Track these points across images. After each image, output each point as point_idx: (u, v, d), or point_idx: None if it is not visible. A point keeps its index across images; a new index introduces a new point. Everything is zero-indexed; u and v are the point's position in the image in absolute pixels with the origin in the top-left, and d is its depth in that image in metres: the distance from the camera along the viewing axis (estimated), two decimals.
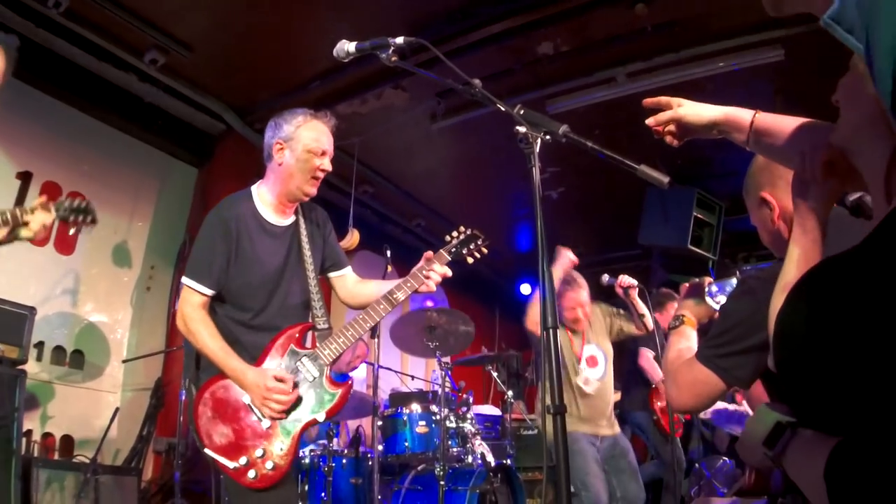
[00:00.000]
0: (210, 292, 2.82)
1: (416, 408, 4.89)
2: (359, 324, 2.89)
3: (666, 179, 1.72)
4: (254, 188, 3.11)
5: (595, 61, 5.51)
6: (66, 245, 5.42)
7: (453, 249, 3.17)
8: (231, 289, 2.88)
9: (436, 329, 4.92)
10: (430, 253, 3.10)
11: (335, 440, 4.70)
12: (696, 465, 6.26)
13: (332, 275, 3.25)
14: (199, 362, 2.85)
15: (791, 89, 5.21)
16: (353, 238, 6.36)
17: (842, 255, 1.16)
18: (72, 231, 3.01)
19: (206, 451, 2.64)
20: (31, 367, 4.53)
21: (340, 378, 2.89)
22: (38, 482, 4.23)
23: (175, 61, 5.41)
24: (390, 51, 2.05)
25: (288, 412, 2.71)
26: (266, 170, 3.09)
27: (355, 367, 6.34)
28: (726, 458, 7.03)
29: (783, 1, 1.19)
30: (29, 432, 4.73)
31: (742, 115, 1.74)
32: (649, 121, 1.85)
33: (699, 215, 6.67)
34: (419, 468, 4.84)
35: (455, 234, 3.23)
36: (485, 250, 3.26)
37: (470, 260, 3.21)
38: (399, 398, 5.81)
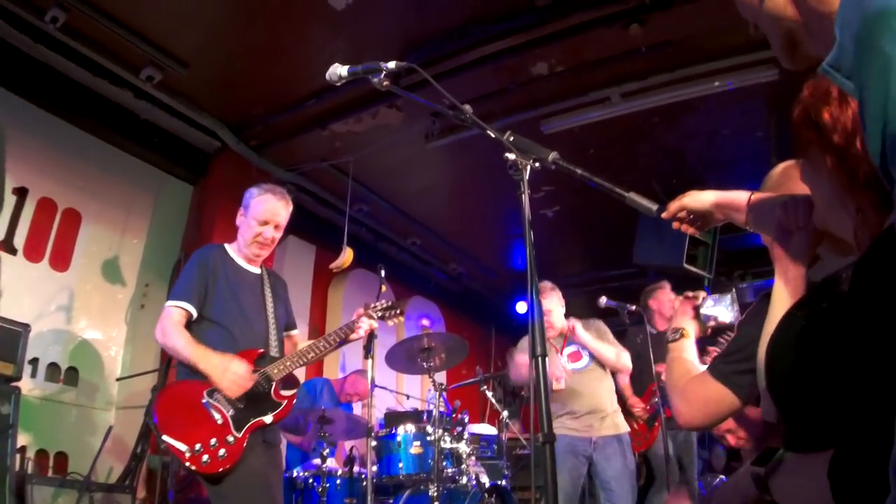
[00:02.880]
0: (191, 309, 3.34)
1: (410, 428, 4.87)
2: (304, 355, 3.51)
3: (654, 207, 1.72)
4: (226, 244, 3.72)
5: (590, 81, 5.52)
6: (60, 261, 5.42)
7: (380, 311, 3.85)
8: (218, 316, 3.40)
9: (431, 350, 4.92)
10: (360, 310, 3.82)
11: (329, 460, 4.68)
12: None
13: (286, 333, 3.80)
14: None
15: (785, 109, 5.21)
16: (346, 256, 6.35)
17: (827, 282, 1.21)
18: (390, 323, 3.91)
19: (164, 437, 3.03)
20: (25, 383, 4.51)
21: (287, 391, 3.43)
22: (33, 499, 4.21)
23: (171, 78, 5.42)
24: (382, 75, 2.06)
25: (241, 412, 3.21)
26: None
27: (352, 402, 6.34)
28: (723, 476, 7.01)
29: (798, 51, 1.20)
30: (23, 449, 4.71)
31: (739, 196, 1.79)
32: (665, 215, 1.91)
33: (694, 234, 6.67)
34: (413, 489, 4.81)
35: (383, 301, 3.94)
36: (401, 318, 3.95)
37: (390, 323, 3.96)
38: (394, 418, 5.79)
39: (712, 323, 1.98)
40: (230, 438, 3.12)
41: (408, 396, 7.60)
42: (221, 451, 3.06)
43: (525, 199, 1.71)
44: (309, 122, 6.11)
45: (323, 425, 4.80)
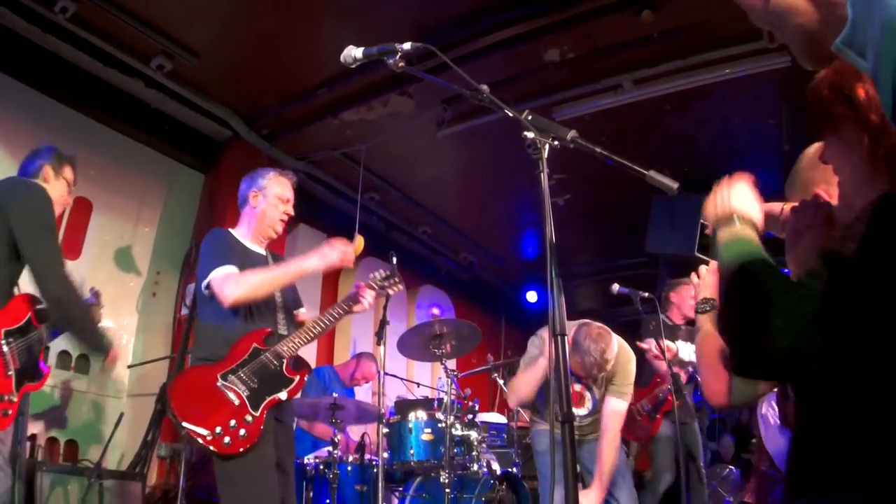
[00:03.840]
0: (237, 269, 3.32)
1: (421, 415, 4.87)
2: (310, 329, 3.52)
3: (675, 185, 1.70)
4: (230, 230, 3.73)
5: (601, 68, 5.49)
6: (72, 250, 5.43)
7: (379, 280, 3.86)
8: None
9: (442, 337, 4.92)
10: (361, 283, 3.81)
11: (340, 447, 4.69)
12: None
13: (295, 311, 3.82)
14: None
15: (797, 96, 5.19)
16: (357, 244, 6.34)
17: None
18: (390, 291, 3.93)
19: (184, 423, 3.07)
20: None
21: (297, 367, 3.47)
22: (43, 487, 4.23)
23: (181, 67, 5.43)
24: (397, 56, 2.04)
25: (256, 391, 3.26)
26: (240, 216, 3.78)
27: (359, 385, 6.34)
28: (732, 467, 7.00)
29: (819, 46, 1.18)
30: (33, 437, 4.73)
31: (774, 208, 1.82)
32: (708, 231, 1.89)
33: (706, 222, 6.63)
34: (424, 476, 4.82)
35: (381, 270, 3.94)
36: (399, 287, 3.95)
37: (391, 292, 3.96)
38: (404, 405, 5.79)
39: None
40: (248, 418, 3.17)
41: (418, 384, 7.62)
42: (242, 432, 3.13)
43: (544, 178, 1.70)
44: (320, 111, 6.11)
45: (334, 412, 4.81)
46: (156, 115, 6.02)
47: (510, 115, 1.81)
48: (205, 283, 3.34)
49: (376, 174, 7.20)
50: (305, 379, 3.50)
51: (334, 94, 5.83)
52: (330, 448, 4.67)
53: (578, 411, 4.64)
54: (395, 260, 4.67)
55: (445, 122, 6.13)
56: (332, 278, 7.91)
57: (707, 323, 1.92)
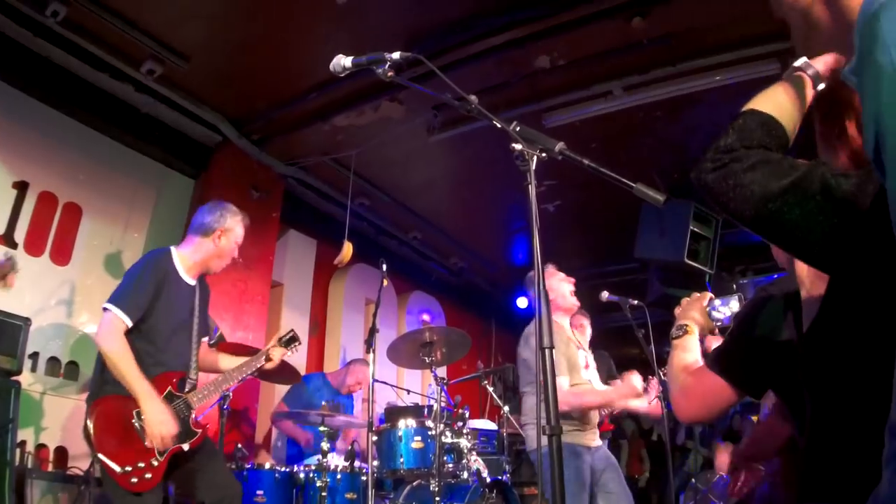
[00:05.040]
0: (130, 324, 3.44)
1: (411, 423, 4.86)
2: (220, 385, 3.82)
3: (662, 198, 1.71)
4: (173, 249, 3.83)
5: (592, 74, 5.50)
6: (61, 255, 5.40)
7: (285, 340, 4.17)
8: (148, 325, 3.55)
9: (432, 345, 4.90)
10: (274, 341, 4.17)
11: (330, 455, 4.67)
12: (692, 479, 6.24)
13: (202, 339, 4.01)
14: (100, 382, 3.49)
15: None
16: (346, 251, 6.35)
17: None
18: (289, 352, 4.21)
19: (99, 454, 3.24)
20: (25, 378, 4.48)
21: (197, 424, 3.66)
22: (32, 494, 4.20)
23: (172, 72, 5.40)
24: (386, 66, 2.04)
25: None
26: (192, 239, 3.88)
27: (354, 392, 6.33)
28: (724, 475, 7.01)
29: (810, 38, 1.21)
30: (23, 443, 4.68)
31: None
32: None
33: (696, 229, 6.65)
34: (414, 483, 4.81)
35: (285, 333, 4.23)
36: (297, 347, 4.27)
37: (289, 354, 4.21)
38: (394, 413, 5.78)
39: (719, 324, 2.01)
40: (154, 462, 3.35)
41: (408, 391, 7.60)
42: (147, 475, 3.31)
43: (532, 189, 1.70)
44: (311, 116, 6.09)
45: (323, 419, 4.80)
46: (146, 119, 5.99)
47: (498, 126, 1.80)
48: (103, 306, 3.47)
49: (367, 179, 7.19)
50: (205, 436, 3.70)
51: (325, 98, 5.81)
52: (319, 456, 4.65)
53: (590, 373, 4.71)
54: (384, 266, 4.68)
55: (436, 127, 6.14)
56: (322, 284, 7.90)
57: (677, 346, 1.98)
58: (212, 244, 3.85)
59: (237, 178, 6.37)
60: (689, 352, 1.94)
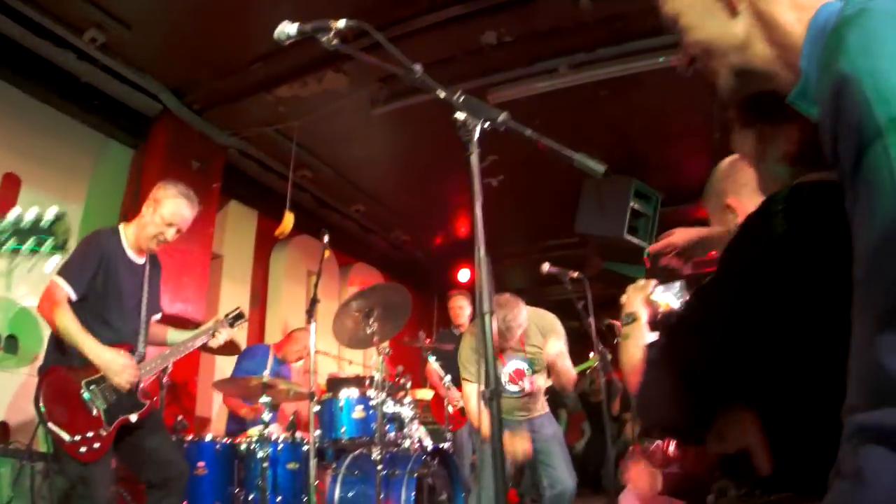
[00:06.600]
0: (75, 297, 3.53)
1: (353, 392, 4.89)
2: (165, 357, 3.89)
3: (601, 168, 1.75)
4: (121, 227, 3.87)
5: (538, 52, 5.54)
6: None
7: (231, 318, 4.18)
8: (95, 303, 3.62)
9: (373, 311, 4.81)
10: (220, 317, 4.17)
11: (271, 426, 4.68)
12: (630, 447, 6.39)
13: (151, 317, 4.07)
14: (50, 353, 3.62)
15: None
16: (287, 222, 6.30)
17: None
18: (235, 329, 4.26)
19: (49, 424, 3.33)
20: None
21: (146, 395, 3.76)
22: None
23: (114, 40, 5.26)
24: (331, 34, 2.03)
25: (112, 408, 3.53)
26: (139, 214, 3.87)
27: (300, 359, 6.32)
28: (658, 441, 7.20)
29: (746, 85, 1.27)
30: None
31: (719, 231, 1.99)
32: (651, 249, 2.18)
33: (636, 206, 6.78)
34: (356, 453, 4.85)
35: (231, 311, 4.25)
36: (244, 325, 4.38)
37: (234, 330, 4.23)
38: (336, 383, 5.81)
39: (661, 309, 2.08)
40: (102, 432, 3.46)
41: (350, 362, 7.63)
42: (95, 444, 3.41)
43: (474, 159, 1.72)
44: (254, 86, 6.00)
45: (265, 391, 4.79)
46: (87, 88, 5.81)
47: (441, 95, 1.82)
48: (51, 277, 3.52)
49: (309, 151, 7.12)
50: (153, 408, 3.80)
51: (269, 69, 5.72)
52: (261, 427, 4.65)
53: (514, 388, 4.74)
54: (326, 238, 4.66)
55: (380, 100, 6.11)
56: (263, 256, 7.85)
57: (627, 334, 2.05)
58: (139, 217, 3.85)
59: (177, 148, 6.24)
60: (638, 340, 2.01)
